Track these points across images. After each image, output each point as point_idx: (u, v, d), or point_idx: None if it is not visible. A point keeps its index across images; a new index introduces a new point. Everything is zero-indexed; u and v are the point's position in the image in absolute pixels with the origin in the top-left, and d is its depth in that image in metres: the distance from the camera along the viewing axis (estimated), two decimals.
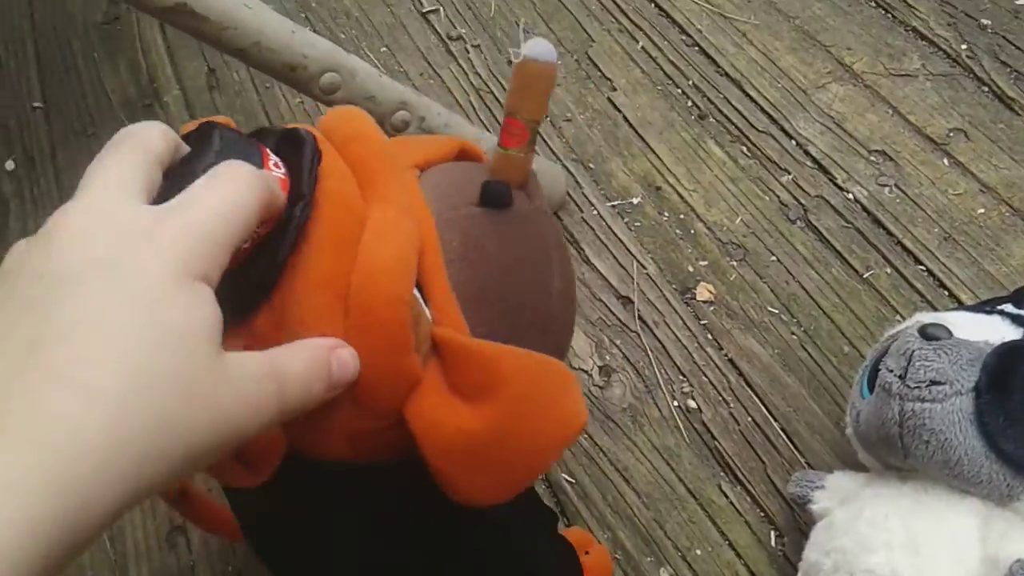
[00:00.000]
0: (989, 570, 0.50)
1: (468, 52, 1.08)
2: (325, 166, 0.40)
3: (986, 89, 0.92)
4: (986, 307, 0.60)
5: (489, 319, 0.46)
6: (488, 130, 0.99)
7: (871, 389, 0.57)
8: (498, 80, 1.04)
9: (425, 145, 0.52)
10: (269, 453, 0.39)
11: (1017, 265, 0.80)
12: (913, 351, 0.52)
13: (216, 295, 0.31)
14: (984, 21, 0.97)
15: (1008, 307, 0.59)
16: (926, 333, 0.53)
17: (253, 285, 0.37)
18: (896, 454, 0.54)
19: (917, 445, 0.51)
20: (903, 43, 0.98)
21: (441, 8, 1.13)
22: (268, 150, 0.38)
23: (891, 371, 0.53)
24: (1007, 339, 0.54)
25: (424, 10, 1.13)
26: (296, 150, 0.40)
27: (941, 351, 0.51)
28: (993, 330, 0.56)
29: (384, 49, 1.10)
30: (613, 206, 0.92)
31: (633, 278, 0.86)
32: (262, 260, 0.37)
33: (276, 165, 0.38)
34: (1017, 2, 0.98)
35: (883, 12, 1.01)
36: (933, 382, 0.50)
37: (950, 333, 0.53)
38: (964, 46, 0.96)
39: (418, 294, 0.41)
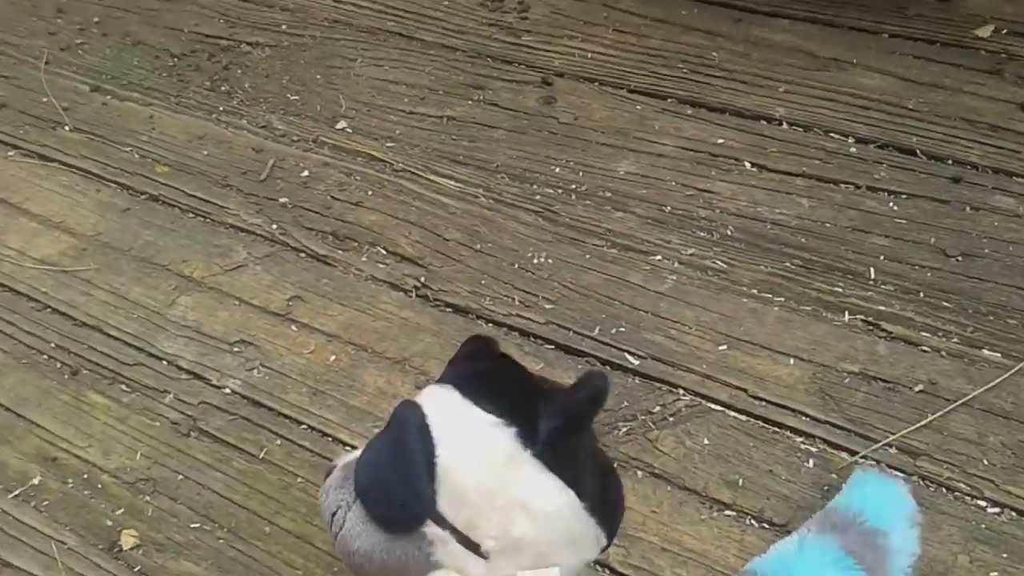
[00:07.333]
0: None
1: None
2: None
3: (303, 255, 1.08)
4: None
5: None
6: None
7: None
8: None
9: None
10: None
11: (373, 391, 0.95)
12: None
13: None
14: (282, 199, 1.14)
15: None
16: None
17: None
18: None
19: None
20: (227, 240, 1.11)
21: None
22: None
23: None
24: None
25: None
26: None
27: None
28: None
29: None
30: (15, 496, 0.90)
31: (57, 559, 0.85)
32: None
33: None
34: (303, 175, 1.17)
35: (202, 219, 1.13)
36: None
37: None
38: (274, 226, 1.11)
39: None
